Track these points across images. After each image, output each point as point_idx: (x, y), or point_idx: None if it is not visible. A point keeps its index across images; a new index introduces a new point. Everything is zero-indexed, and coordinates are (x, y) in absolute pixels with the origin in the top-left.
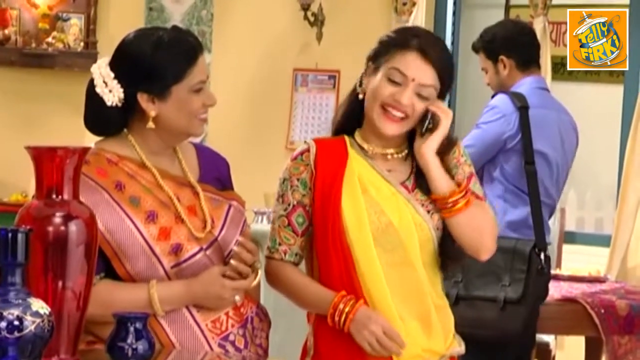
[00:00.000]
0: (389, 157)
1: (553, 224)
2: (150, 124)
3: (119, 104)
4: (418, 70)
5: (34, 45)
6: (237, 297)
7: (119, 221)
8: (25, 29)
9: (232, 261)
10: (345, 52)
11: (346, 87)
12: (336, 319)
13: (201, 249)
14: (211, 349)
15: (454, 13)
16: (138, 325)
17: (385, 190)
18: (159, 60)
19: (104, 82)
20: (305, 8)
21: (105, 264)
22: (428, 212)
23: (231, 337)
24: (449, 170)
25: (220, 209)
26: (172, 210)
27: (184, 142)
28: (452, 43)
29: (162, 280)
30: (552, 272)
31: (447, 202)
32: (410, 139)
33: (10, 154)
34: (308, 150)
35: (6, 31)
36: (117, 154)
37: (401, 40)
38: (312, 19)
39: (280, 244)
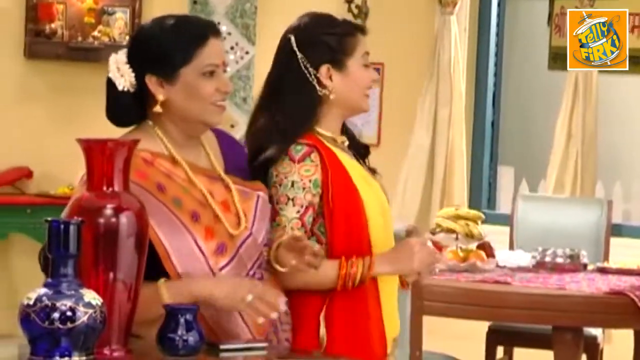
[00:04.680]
0: (342, 144)
1: (600, 216)
2: (157, 108)
3: (131, 89)
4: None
5: (80, 39)
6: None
7: (169, 221)
8: (71, 23)
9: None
10: (389, 44)
11: (391, 79)
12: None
13: (237, 252)
14: None
15: (498, 4)
16: (188, 316)
17: (369, 178)
18: (167, 42)
19: (117, 67)
20: (350, 0)
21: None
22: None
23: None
24: None
25: (250, 201)
26: (209, 209)
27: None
28: (497, 34)
29: None
30: (600, 265)
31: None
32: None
33: (56, 147)
34: (312, 151)
35: (52, 25)
36: (150, 152)
37: (347, 29)
38: (356, 11)
39: None
